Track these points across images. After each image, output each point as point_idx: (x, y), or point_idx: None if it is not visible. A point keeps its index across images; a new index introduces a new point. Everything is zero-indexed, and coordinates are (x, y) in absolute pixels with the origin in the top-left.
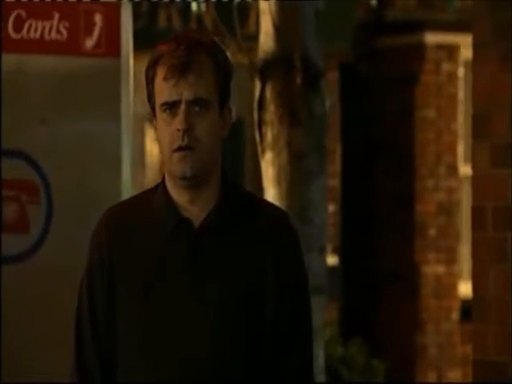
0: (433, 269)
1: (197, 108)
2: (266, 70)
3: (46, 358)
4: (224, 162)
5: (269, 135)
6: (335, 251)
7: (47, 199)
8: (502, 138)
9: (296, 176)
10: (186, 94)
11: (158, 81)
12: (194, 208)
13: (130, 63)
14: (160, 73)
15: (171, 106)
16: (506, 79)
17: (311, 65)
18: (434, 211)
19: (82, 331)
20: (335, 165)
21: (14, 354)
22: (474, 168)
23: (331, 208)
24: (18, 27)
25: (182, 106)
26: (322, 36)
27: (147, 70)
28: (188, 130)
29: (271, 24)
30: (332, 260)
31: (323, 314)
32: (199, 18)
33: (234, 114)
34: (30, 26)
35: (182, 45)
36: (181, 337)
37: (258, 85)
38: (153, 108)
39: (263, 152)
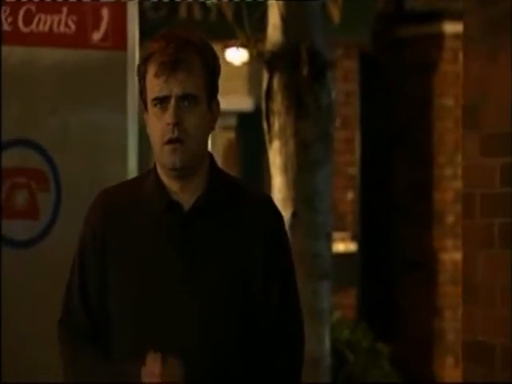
0: (451, 255)
1: (186, 103)
2: (274, 61)
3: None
4: (246, 150)
5: (276, 125)
6: (354, 238)
7: (56, 187)
8: (490, 128)
9: (302, 164)
10: (176, 90)
11: (150, 77)
12: (183, 195)
13: (136, 56)
14: (151, 69)
15: (161, 101)
16: (495, 72)
17: (318, 57)
18: (452, 199)
19: (73, 306)
20: (354, 153)
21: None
22: (464, 157)
23: (350, 196)
24: (27, 21)
25: (172, 101)
26: (329, 29)
27: (139, 67)
28: (178, 124)
29: (279, 17)
30: (351, 247)
31: (329, 298)
32: (219, 8)
33: (251, 103)
34: (40, 19)
35: (172, 43)
36: (172, 316)
37: (265, 76)
38: (144, 102)
39: (271, 141)
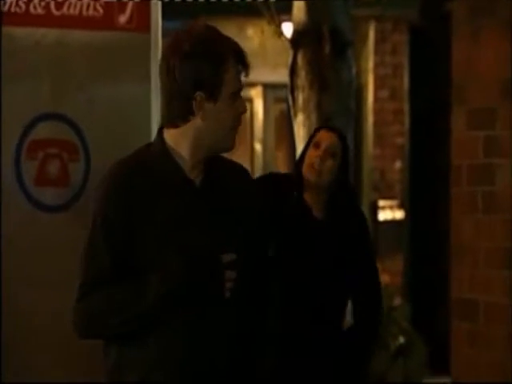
0: None
1: None
2: (298, 39)
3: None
4: None
5: (300, 99)
6: (401, 206)
7: (85, 157)
8: (475, 104)
9: None
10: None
11: (231, 74)
12: (193, 171)
13: (159, 37)
14: (234, 67)
15: (236, 94)
16: (479, 53)
17: (339, 35)
18: None
19: (99, 265)
20: (403, 124)
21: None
22: (452, 131)
23: (398, 165)
24: (59, 5)
25: (240, 94)
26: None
27: (216, 63)
28: None
29: None
30: (398, 214)
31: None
32: None
33: None
34: (70, 4)
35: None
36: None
37: (290, 53)
38: (213, 93)
39: (295, 114)
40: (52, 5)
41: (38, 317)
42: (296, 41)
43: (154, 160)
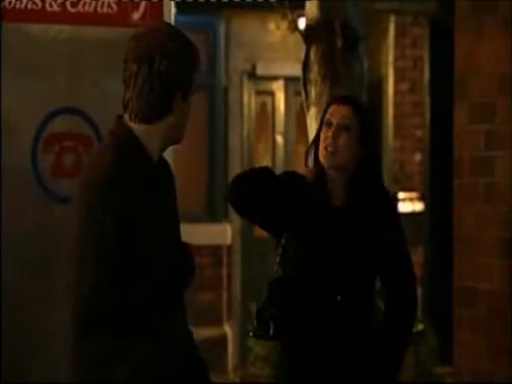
0: None
1: None
2: (311, 34)
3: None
4: None
5: (313, 93)
6: (421, 198)
7: None
8: (476, 98)
9: None
10: None
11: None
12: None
13: None
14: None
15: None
16: (479, 48)
17: (350, 30)
18: None
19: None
20: (424, 116)
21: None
22: (455, 124)
23: (418, 157)
24: (74, 3)
25: None
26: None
27: (193, 63)
28: None
29: None
30: (418, 206)
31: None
32: None
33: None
34: (85, 1)
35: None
36: None
37: (303, 48)
38: (186, 90)
39: (308, 108)
40: (67, 2)
41: (54, 308)
42: (309, 36)
43: (130, 156)
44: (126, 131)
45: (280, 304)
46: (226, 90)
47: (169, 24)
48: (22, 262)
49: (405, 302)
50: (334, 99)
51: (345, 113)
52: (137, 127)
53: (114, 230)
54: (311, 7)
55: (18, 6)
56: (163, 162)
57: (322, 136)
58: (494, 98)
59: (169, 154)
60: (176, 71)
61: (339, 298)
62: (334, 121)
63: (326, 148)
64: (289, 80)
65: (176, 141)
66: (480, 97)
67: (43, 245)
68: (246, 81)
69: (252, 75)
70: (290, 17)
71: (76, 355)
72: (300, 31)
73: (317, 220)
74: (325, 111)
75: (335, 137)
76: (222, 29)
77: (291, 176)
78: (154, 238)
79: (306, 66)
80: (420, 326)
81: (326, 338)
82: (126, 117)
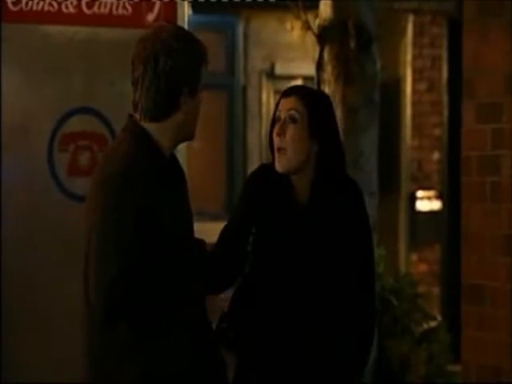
0: None
1: None
2: (324, 35)
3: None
4: None
5: (326, 92)
6: (439, 197)
7: None
8: (484, 98)
9: (349, 128)
10: None
11: (203, 70)
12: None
13: None
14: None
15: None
16: (487, 49)
17: (364, 31)
18: None
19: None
20: (442, 115)
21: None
22: (463, 124)
23: (436, 156)
24: (90, 4)
25: None
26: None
27: (198, 60)
28: None
29: None
30: (437, 205)
31: (375, 250)
32: None
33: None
34: (101, 3)
35: None
36: None
37: (317, 48)
38: (192, 87)
39: None
40: (83, 4)
41: (73, 305)
42: (322, 36)
43: (143, 151)
44: (139, 128)
45: (237, 312)
46: (244, 90)
47: (175, 25)
48: (36, 260)
49: (356, 342)
50: (281, 93)
51: (290, 104)
52: (147, 126)
53: (131, 221)
54: (325, 8)
55: (34, 7)
56: (175, 160)
57: (273, 136)
58: (502, 98)
59: (182, 154)
60: (181, 69)
61: (293, 309)
62: (282, 115)
63: (277, 150)
64: (307, 79)
65: (187, 137)
66: (487, 97)
67: (60, 243)
68: (264, 80)
69: (270, 75)
70: (303, 17)
71: (94, 345)
72: (313, 31)
73: (279, 222)
74: (275, 109)
75: (280, 133)
76: (240, 28)
77: (261, 175)
78: (169, 230)
79: (319, 66)
80: (433, 323)
81: (280, 348)
82: (137, 117)
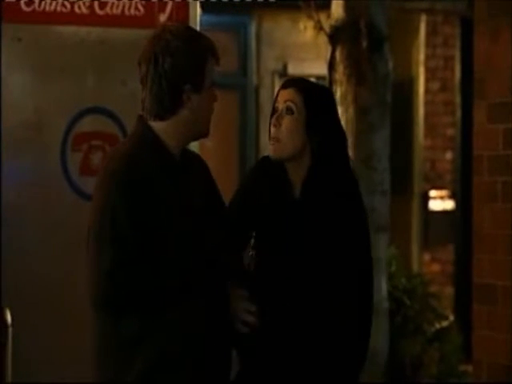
0: None
1: None
2: (336, 35)
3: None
4: None
5: (338, 92)
6: (452, 197)
7: None
8: (495, 98)
9: (361, 128)
10: None
11: (210, 66)
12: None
13: None
14: (211, 60)
15: (213, 84)
16: (498, 49)
17: (375, 30)
18: None
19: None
20: (455, 115)
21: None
22: (474, 123)
23: (449, 156)
24: (102, 5)
25: None
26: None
27: (200, 57)
28: None
29: None
30: (450, 204)
31: (386, 249)
32: None
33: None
34: (113, 4)
35: None
36: None
37: (329, 48)
38: (196, 83)
39: None
40: (96, 4)
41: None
42: (334, 36)
43: (147, 150)
44: (145, 128)
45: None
46: (257, 90)
47: (178, 24)
48: (48, 259)
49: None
50: (280, 85)
51: (288, 96)
52: (154, 125)
53: (126, 216)
54: (336, 8)
55: (47, 8)
56: (190, 158)
57: (270, 127)
58: (511, 99)
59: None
60: (181, 66)
61: (287, 305)
62: (279, 106)
63: (271, 139)
64: (320, 79)
65: (200, 134)
66: (498, 97)
67: (72, 242)
68: (277, 80)
69: (283, 75)
70: (315, 17)
71: (97, 333)
72: (325, 31)
73: (272, 216)
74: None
75: (276, 124)
76: (252, 28)
77: (261, 168)
78: (167, 226)
79: (331, 66)
80: (445, 323)
81: (276, 344)
82: (144, 116)
